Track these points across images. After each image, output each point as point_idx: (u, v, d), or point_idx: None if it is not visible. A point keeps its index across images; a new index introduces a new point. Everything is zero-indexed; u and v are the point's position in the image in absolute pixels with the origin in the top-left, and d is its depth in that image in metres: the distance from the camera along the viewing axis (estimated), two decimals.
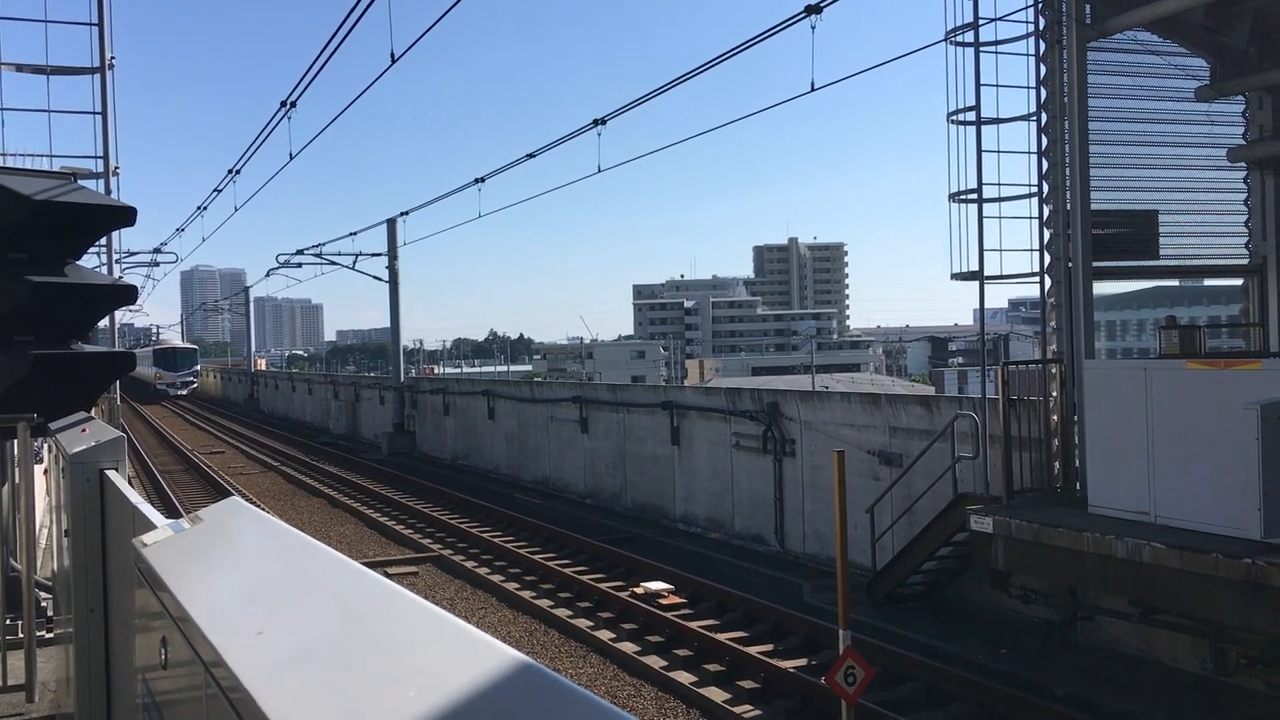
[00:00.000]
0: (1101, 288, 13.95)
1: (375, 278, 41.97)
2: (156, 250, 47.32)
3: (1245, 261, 14.96)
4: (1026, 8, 13.42)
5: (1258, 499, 9.50)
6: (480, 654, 1.60)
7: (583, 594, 15.50)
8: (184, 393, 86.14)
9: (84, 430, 6.28)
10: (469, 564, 18.00)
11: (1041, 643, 12.30)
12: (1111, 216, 13.74)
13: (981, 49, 13.50)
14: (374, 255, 42.47)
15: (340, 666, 1.73)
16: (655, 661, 12.34)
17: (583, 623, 14.08)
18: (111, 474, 5.37)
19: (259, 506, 3.92)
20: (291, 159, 22.76)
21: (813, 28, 14.12)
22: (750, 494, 19.75)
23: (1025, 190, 13.62)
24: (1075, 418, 12.70)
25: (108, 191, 15.95)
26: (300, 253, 45.35)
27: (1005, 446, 12.77)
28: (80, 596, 5.37)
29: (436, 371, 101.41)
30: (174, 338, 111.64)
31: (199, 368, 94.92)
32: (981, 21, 13.42)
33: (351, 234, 41.70)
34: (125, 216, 8.84)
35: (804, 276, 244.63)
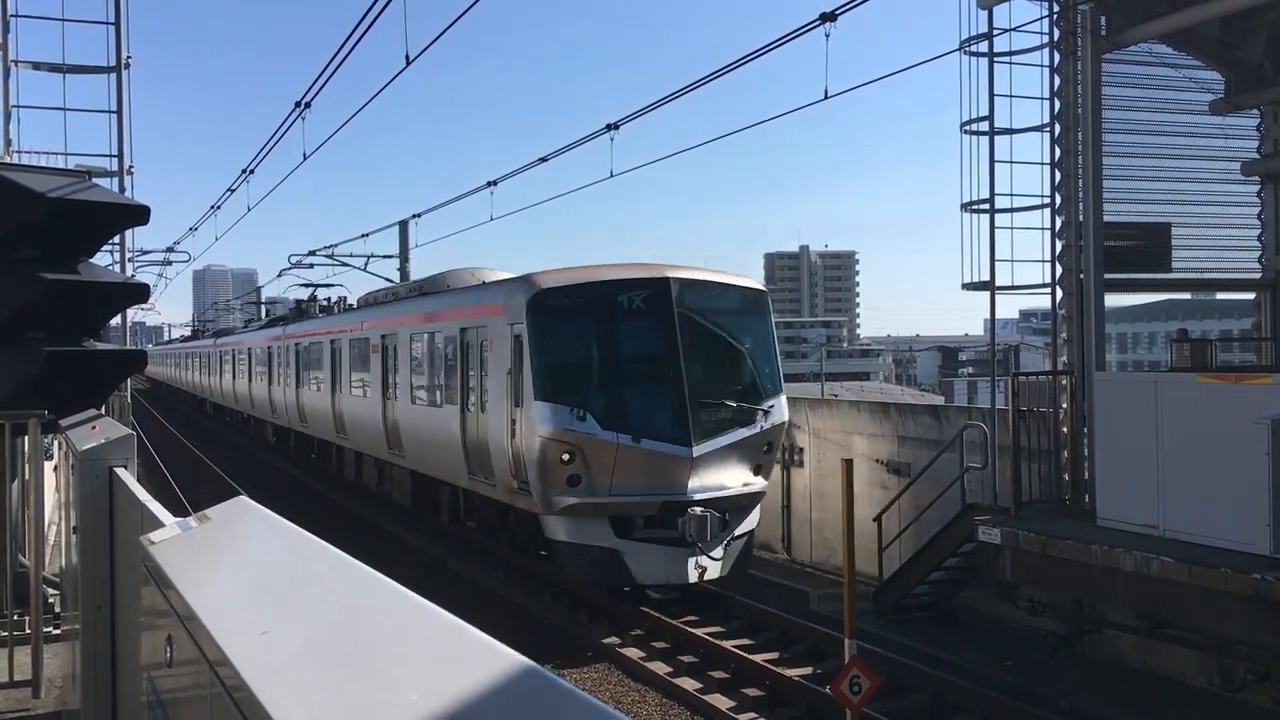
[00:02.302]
0: (1113, 300, 13.91)
1: (386, 279, 41.95)
2: (169, 249, 47.41)
3: (1258, 276, 14.90)
4: (1041, 18, 13.42)
5: (1268, 514, 9.45)
6: (483, 657, 1.60)
7: (586, 599, 15.47)
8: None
9: (94, 428, 6.31)
10: (473, 570, 18.00)
11: (1048, 655, 12.25)
12: (1124, 229, 13.71)
13: (996, 59, 13.50)
14: (385, 257, 42.41)
15: (343, 667, 1.74)
16: (659, 667, 12.31)
17: (583, 628, 14.07)
18: (121, 471, 5.40)
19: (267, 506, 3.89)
20: (305, 159, 22.80)
21: (827, 35, 14.11)
22: None
23: (1038, 201, 13.61)
24: (1085, 429, 12.66)
25: (122, 190, 16.02)
26: (312, 253, 45.33)
27: (1014, 457, 12.73)
28: (88, 593, 5.39)
29: None
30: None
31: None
32: (996, 32, 13.42)
33: (364, 235, 41.64)
34: (139, 215, 8.90)
35: (815, 284, 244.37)
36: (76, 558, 5.93)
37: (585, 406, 13.07)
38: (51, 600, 8.83)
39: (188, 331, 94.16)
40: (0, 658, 7.29)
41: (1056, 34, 13.22)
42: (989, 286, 13.71)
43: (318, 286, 40.62)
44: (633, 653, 12.89)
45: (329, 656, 1.81)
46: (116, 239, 16.36)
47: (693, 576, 13.12)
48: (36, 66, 16.13)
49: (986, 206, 13.59)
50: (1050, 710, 10.52)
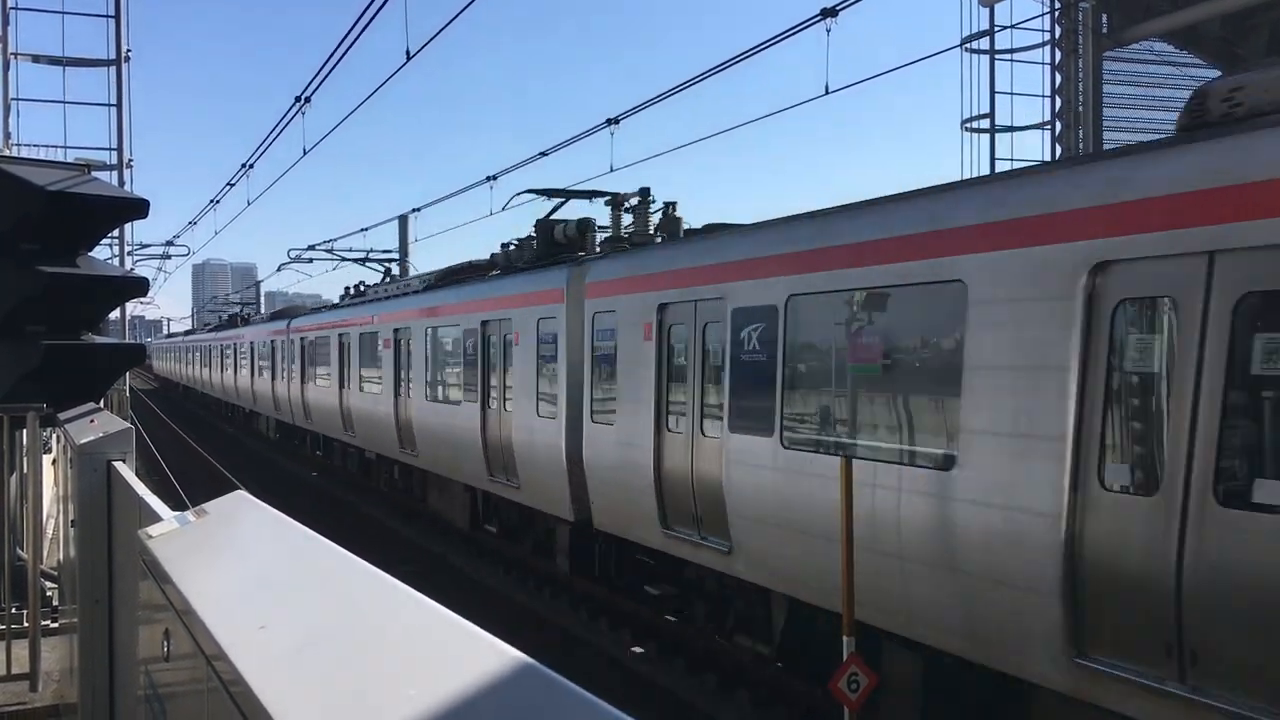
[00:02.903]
0: None
1: (385, 273, 42.00)
2: (168, 243, 47.43)
3: None
4: (1042, 15, 13.43)
5: None
6: (482, 653, 1.60)
7: (588, 596, 15.49)
8: None
9: (93, 421, 6.31)
10: (472, 567, 18.02)
11: None
12: None
13: (996, 57, 13.50)
14: (385, 252, 42.43)
15: (341, 663, 1.73)
16: (659, 665, 12.33)
17: (581, 625, 14.08)
18: (119, 465, 5.40)
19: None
20: (305, 154, 22.80)
21: (828, 31, 14.09)
22: None
23: None
24: None
25: (121, 184, 16.02)
26: (312, 248, 45.34)
27: None
28: (85, 587, 5.39)
29: None
30: None
31: None
32: (997, 29, 13.42)
33: (363, 230, 41.64)
34: (138, 209, 8.89)
35: None
36: (74, 551, 5.94)
37: None
38: (50, 594, 8.84)
39: (190, 323, 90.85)
40: None
41: (1058, 31, 13.23)
42: None
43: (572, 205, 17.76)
44: (633, 650, 12.91)
45: (326, 652, 1.81)
46: (116, 232, 16.37)
47: None
48: (36, 59, 16.13)
49: None
50: None
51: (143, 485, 4.73)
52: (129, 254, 20.62)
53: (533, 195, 18.29)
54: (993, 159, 13.54)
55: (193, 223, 42.69)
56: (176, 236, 47.49)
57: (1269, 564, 5.32)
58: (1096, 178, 6.57)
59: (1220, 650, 5.56)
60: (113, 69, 16.51)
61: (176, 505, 20.21)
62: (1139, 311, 6.27)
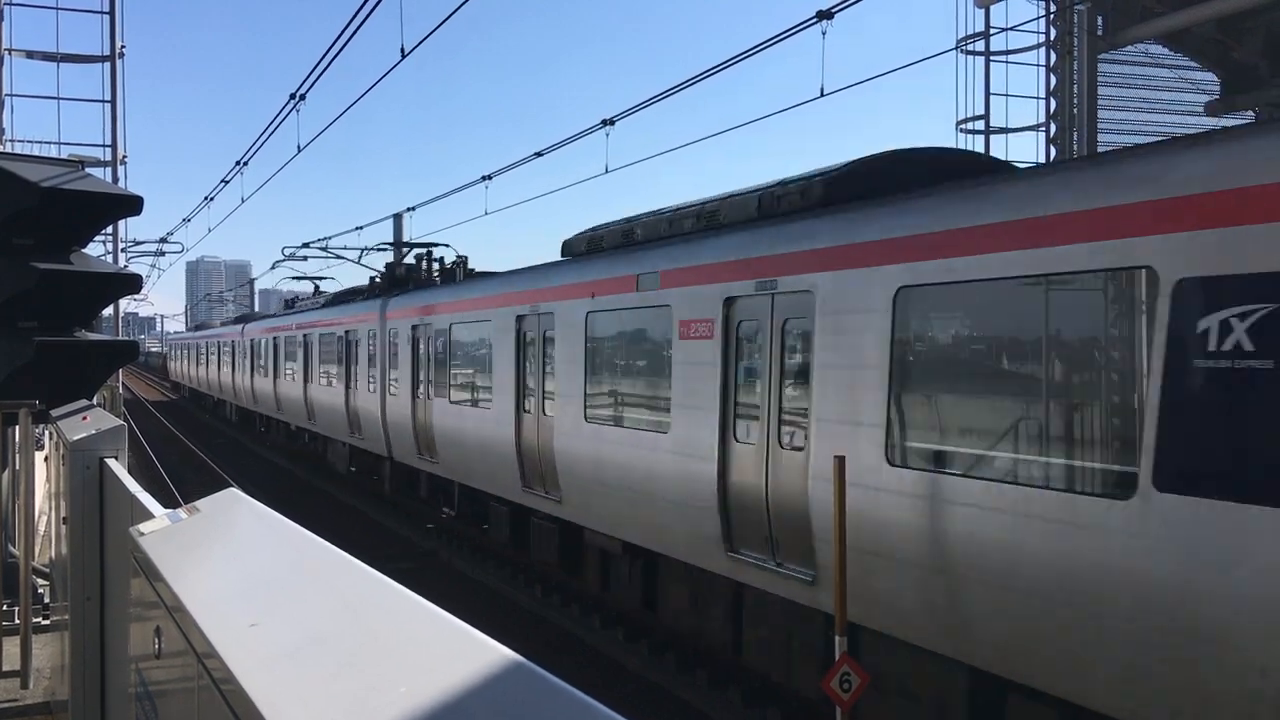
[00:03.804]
0: None
1: (380, 272, 41.91)
2: (162, 240, 47.42)
3: None
4: (1038, 18, 13.45)
5: None
6: (474, 651, 1.60)
7: (577, 594, 15.49)
8: None
9: (85, 418, 6.30)
10: (464, 563, 18.02)
11: None
12: None
13: (992, 58, 13.52)
14: (380, 250, 42.36)
15: (333, 661, 1.73)
16: (648, 661, 12.32)
17: (574, 623, 14.08)
18: (111, 462, 5.39)
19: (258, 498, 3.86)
20: (300, 151, 22.75)
21: (823, 33, 14.10)
22: None
23: None
24: None
25: (115, 180, 16.00)
26: (306, 246, 45.32)
27: None
28: (77, 584, 5.38)
29: None
30: None
31: None
32: (992, 31, 13.44)
33: (358, 228, 41.59)
34: (132, 205, 8.87)
35: None
36: (66, 548, 5.92)
37: None
38: (41, 591, 8.82)
39: (198, 316, 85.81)
40: None
41: (1053, 33, 13.26)
42: None
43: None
44: (622, 646, 12.90)
45: (317, 650, 1.80)
46: (109, 229, 16.33)
47: None
48: (30, 55, 16.10)
49: None
50: None
51: (135, 482, 4.72)
52: (122, 250, 20.59)
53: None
54: None
55: (187, 220, 42.65)
56: (171, 233, 47.41)
57: None
58: None
59: None
60: (107, 65, 16.48)
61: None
62: None
